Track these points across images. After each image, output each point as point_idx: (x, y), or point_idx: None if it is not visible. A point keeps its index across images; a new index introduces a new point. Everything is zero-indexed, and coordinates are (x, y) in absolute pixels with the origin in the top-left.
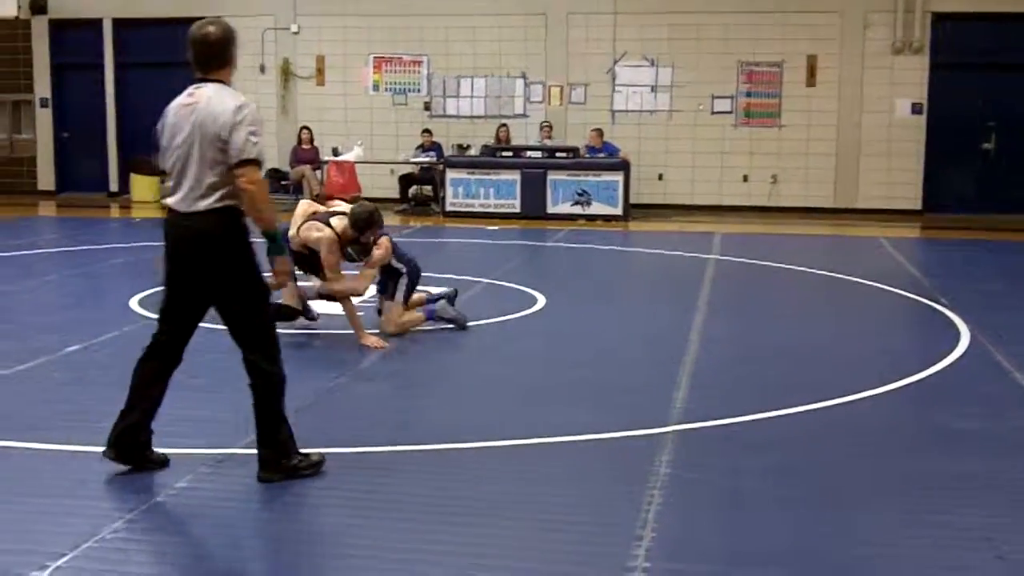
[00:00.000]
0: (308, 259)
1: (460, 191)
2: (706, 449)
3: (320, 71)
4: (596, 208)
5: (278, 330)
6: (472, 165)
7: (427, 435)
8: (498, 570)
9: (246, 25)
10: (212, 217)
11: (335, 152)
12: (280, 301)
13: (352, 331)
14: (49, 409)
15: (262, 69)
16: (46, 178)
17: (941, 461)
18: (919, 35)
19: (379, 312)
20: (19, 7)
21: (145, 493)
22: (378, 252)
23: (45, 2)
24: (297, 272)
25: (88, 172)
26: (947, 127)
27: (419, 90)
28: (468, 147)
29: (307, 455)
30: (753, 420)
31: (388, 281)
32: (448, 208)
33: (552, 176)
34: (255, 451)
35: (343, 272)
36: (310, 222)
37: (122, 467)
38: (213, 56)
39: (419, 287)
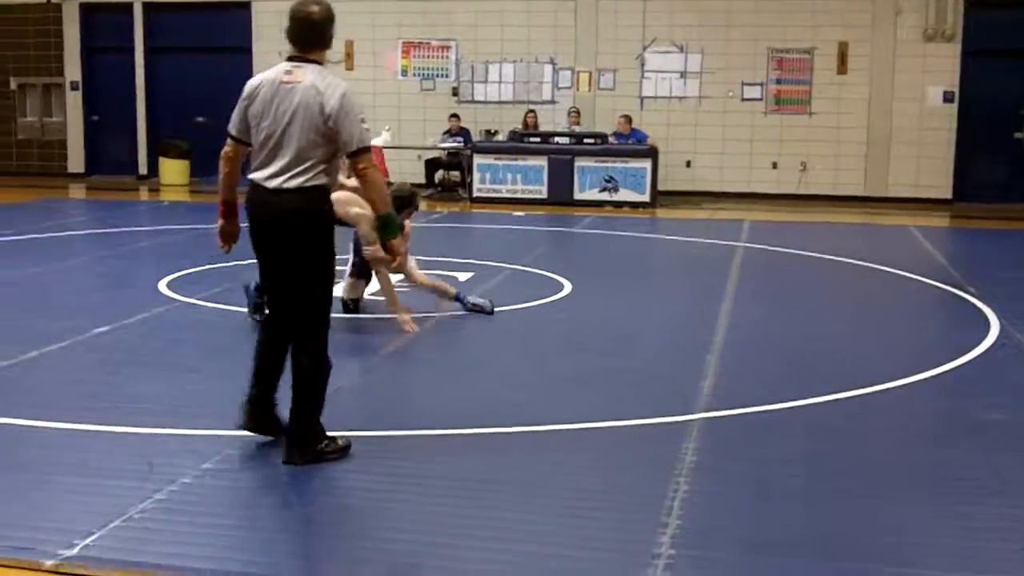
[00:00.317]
0: None
1: (487, 177)
2: (733, 437)
3: (349, 56)
4: (623, 195)
5: None
6: (499, 151)
7: (454, 420)
8: (523, 555)
9: (275, 9)
10: (303, 196)
11: None
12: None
13: (378, 316)
14: (77, 390)
15: None
16: (76, 161)
17: (969, 451)
18: (951, 22)
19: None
20: None
21: (173, 473)
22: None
23: None
24: None
25: (118, 155)
26: (979, 115)
27: (447, 75)
28: (496, 133)
29: (334, 439)
30: (780, 408)
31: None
32: (475, 194)
33: (580, 162)
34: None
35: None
36: (349, 196)
37: (265, 437)
38: (314, 35)
39: (441, 273)
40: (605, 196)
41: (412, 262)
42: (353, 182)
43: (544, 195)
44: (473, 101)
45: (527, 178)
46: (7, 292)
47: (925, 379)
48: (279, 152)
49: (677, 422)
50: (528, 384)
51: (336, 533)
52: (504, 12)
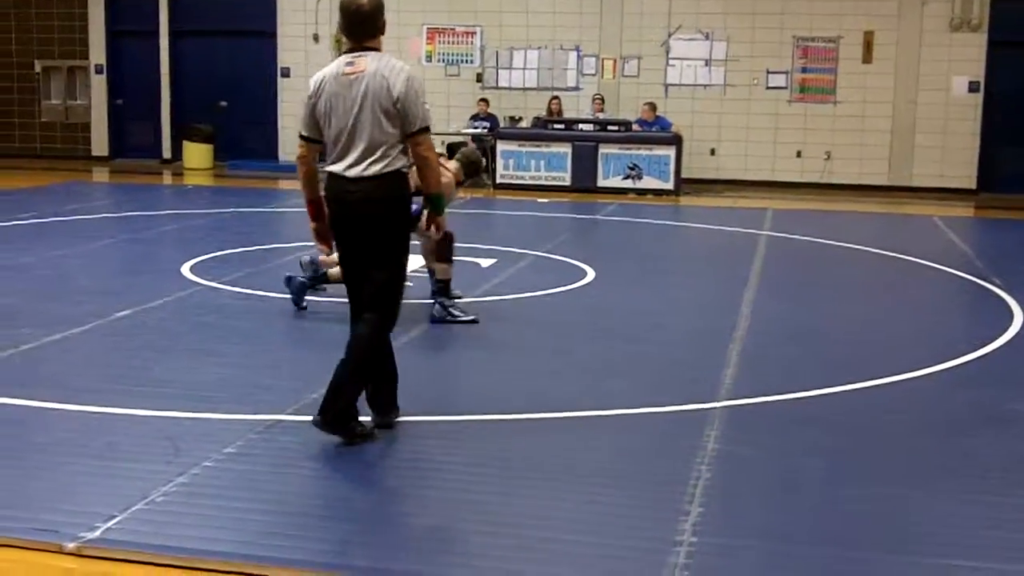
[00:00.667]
0: None
1: (511, 163)
2: (755, 425)
3: None
4: (647, 182)
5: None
6: (523, 137)
7: (475, 406)
8: (544, 540)
9: None
10: (383, 181)
11: None
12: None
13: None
14: (99, 373)
15: (316, 38)
16: (100, 144)
17: (993, 442)
18: (977, 12)
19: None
20: None
21: (194, 458)
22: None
23: None
24: None
25: (141, 139)
26: (1004, 106)
27: (472, 61)
28: (520, 119)
29: (362, 423)
30: (803, 397)
31: None
32: (499, 180)
33: (603, 149)
34: (303, 418)
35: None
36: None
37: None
38: (366, 26)
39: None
40: (629, 183)
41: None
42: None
43: (568, 182)
44: (497, 87)
45: (551, 165)
46: (30, 275)
47: (948, 369)
48: (353, 142)
49: (699, 410)
50: (550, 371)
51: (358, 517)
52: None
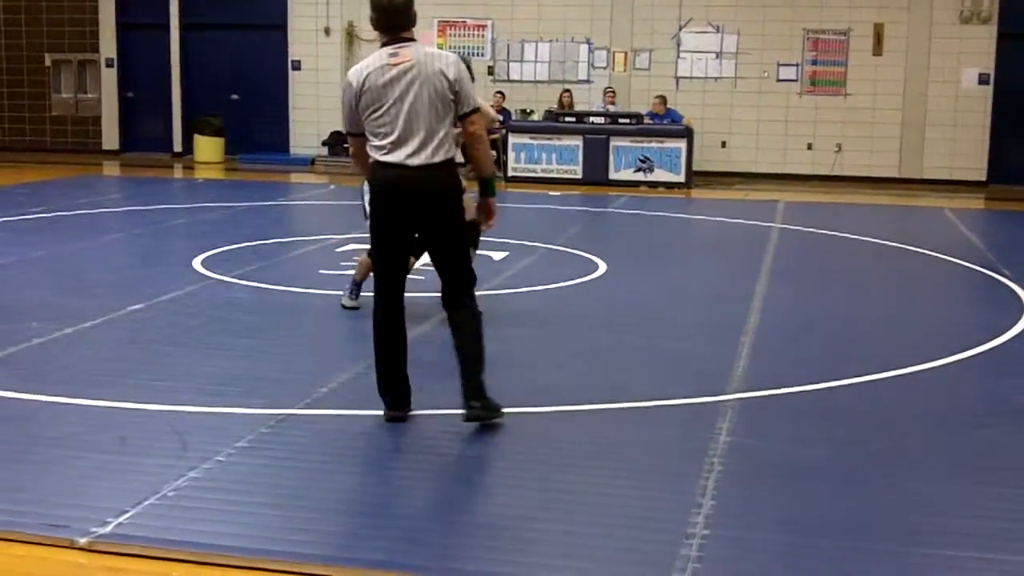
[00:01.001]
0: None
1: (522, 156)
2: (767, 418)
3: None
4: (658, 175)
5: None
6: (535, 130)
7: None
8: (555, 533)
9: None
10: (446, 168)
11: None
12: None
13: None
14: (111, 367)
15: (327, 31)
16: (110, 138)
17: (1004, 434)
18: (987, 4)
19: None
20: None
21: (206, 452)
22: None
23: None
24: None
25: (152, 132)
26: (1014, 98)
27: (483, 54)
28: (531, 112)
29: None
30: (814, 389)
31: None
32: (510, 173)
33: (615, 142)
34: (314, 412)
35: None
36: None
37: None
38: (403, 18)
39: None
40: (640, 176)
41: None
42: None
43: (579, 175)
44: (509, 80)
45: (562, 158)
46: (41, 269)
47: (960, 360)
48: (411, 131)
49: (711, 402)
50: (561, 363)
51: (369, 511)
52: None
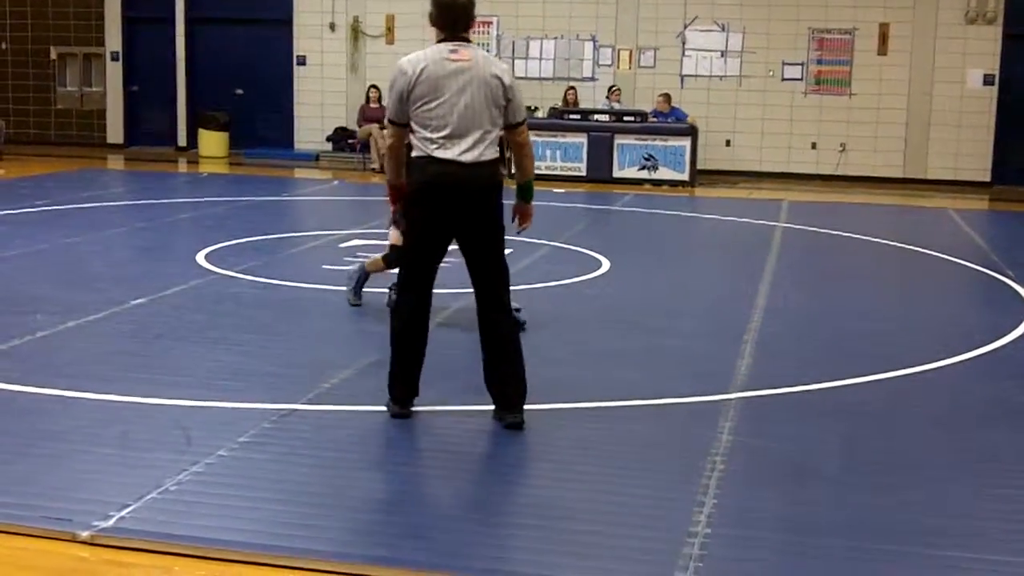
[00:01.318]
0: None
1: None
2: (770, 417)
3: (390, 30)
4: (662, 173)
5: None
6: (539, 127)
7: (488, 397)
8: (558, 531)
9: None
10: (494, 167)
11: None
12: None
13: None
14: (114, 361)
15: (332, 27)
16: (115, 131)
17: (1008, 434)
18: (993, 5)
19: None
20: None
21: (209, 447)
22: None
23: None
24: None
25: (157, 126)
26: (1019, 98)
27: (488, 51)
28: (536, 109)
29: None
30: (817, 389)
31: None
32: (514, 170)
33: (619, 140)
34: (318, 407)
35: None
36: None
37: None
38: (467, 18)
39: None
40: (644, 174)
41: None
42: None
43: (583, 172)
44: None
45: (566, 155)
46: (45, 262)
47: (963, 361)
48: (467, 128)
49: (714, 401)
50: (564, 361)
51: (373, 507)
52: None
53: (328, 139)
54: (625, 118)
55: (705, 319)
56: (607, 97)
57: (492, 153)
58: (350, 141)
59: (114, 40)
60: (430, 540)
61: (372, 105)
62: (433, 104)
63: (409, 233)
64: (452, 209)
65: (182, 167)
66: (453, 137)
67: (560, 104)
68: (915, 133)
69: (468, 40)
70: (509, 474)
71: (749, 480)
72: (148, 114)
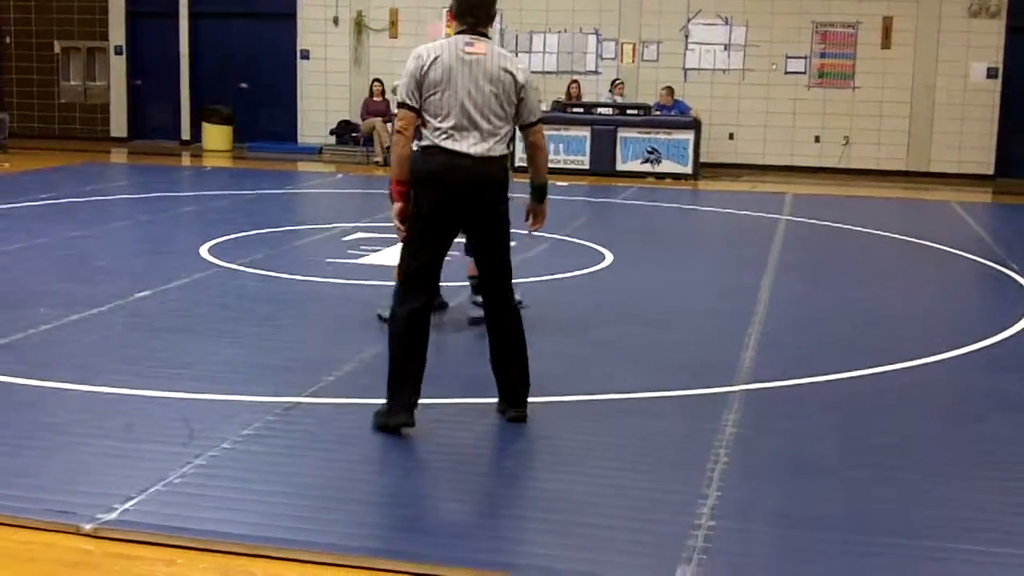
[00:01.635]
0: None
1: None
2: (773, 410)
3: (393, 24)
4: (666, 166)
5: None
6: (542, 121)
7: (492, 389)
8: (559, 524)
9: None
10: (503, 162)
11: None
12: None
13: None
14: (118, 354)
15: (336, 21)
16: (119, 125)
17: (1010, 428)
18: None
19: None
20: None
21: (212, 439)
22: None
23: None
24: None
25: (160, 120)
26: (1022, 91)
27: None
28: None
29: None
30: (820, 382)
31: None
32: (517, 163)
33: (622, 133)
34: (321, 400)
35: None
36: None
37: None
38: (490, 12)
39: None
40: (647, 167)
41: None
42: None
43: (586, 165)
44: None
45: (570, 148)
46: (49, 256)
47: (966, 354)
48: (478, 121)
49: (717, 394)
50: (567, 354)
51: (375, 500)
52: None
53: (332, 133)
54: (628, 111)
55: (708, 312)
56: (610, 91)
57: (502, 149)
58: (354, 135)
59: (118, 34)
60: (433, 533)
61: (376, 99)
62: (443, 93)
63: (413, 224)
64: (459, 201)
65: (186, 161)
66: (461, 129)
67: (563, 97)
68: (918, 126)
69: (487, 35)
70: (512, 467)
71: (752, 473)
72: (152, 108)
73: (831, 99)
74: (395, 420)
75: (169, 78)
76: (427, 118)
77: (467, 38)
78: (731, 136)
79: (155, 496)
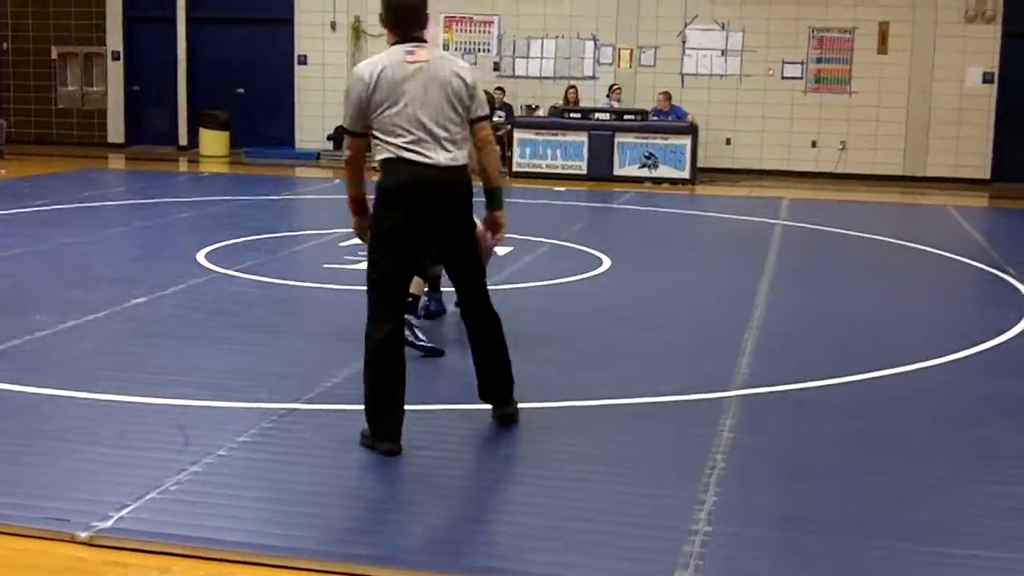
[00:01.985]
0: None
1: (527, 152)
2: (770, 415)
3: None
4: (663, 171)
5: None
6: (540, 126)
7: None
8: (556, 530)
9: None
10: (465, 170)
11: None
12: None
13: None
14: (113, 361)
15: (333, 26)
16: (116, 131)
17: (1008, 431)
18: (992, 3)
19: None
20: None
21: (208, 446)
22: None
23: None
24: None
25: (158, 126)
26: (1018, 96)
27: (489, 50)
28: (536, 108)
29: None
30: (817, 387)
31: None
32: (515, 169)
33: (620, 138)
34: (317, 407)
35: None
36: None
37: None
38: (419, 18)
39: None
40: (645, 172)
41: None
42: None
43: (584, 171)
44: (514, 76)
45: (567, 153)
46: (45, 261)
47: (963, 358)
48: (435, 130)
49: (714, 399)
50: (564, 359)
51: (372, 506)
52: None
53: (329, 138)
54: (626, 117)
55: (705, 317)
56: (608, 96)
57: (464, 154)
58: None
59: (115, 39)
60: (430, 539)
61: None
62: (396, 109)
63: (380, 241)
64: (429, 213)
65: (183, 166)
66: (420, 138)
67: (561, 103)
68: (915, 131)
69: (423, 40)
70: (508, 472)
71: (749, 478)
72: (149, 113)
73: (828, 104)
74: (382, 448)
75: (166, 83)
76: (381, 136)
77: (406, 47)
78: (728, 141)
79: (150, 503)
